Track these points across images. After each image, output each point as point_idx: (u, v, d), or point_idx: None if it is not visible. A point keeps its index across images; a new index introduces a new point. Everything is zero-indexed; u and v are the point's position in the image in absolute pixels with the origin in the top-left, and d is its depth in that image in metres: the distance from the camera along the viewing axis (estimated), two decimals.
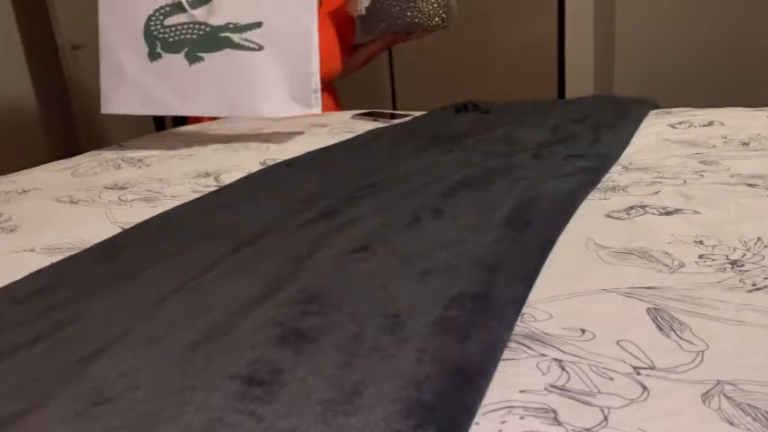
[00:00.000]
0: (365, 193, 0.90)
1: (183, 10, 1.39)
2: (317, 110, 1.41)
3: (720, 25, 2.65)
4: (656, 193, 0.86)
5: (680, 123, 1.26)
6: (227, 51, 1.39)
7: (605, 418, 0.41)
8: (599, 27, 2.66)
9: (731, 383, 0.44)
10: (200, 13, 1.39)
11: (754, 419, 0.40)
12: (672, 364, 0.47)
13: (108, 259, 0.74)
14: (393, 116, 1.65)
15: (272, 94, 1.39)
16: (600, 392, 0.44)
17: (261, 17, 1.38)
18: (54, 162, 1.35)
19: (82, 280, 0.68)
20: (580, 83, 2.64)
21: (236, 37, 1.38)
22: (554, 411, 0.42)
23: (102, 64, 1.41)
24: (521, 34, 2.76)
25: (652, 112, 1.40)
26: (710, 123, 1.24)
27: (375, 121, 1.60)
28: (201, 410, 0.42)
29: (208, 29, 1.39)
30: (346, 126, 1.54)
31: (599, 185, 0.91)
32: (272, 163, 1.18)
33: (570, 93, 2.67)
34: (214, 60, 1.39)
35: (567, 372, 0.47)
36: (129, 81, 1.40)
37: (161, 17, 1.39)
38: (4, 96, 2.57)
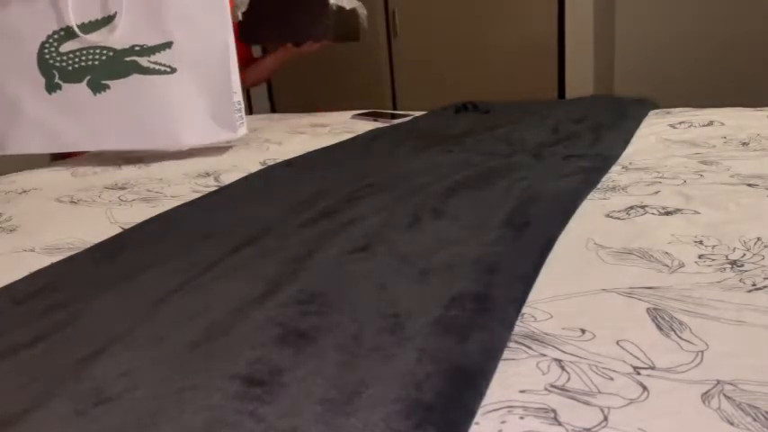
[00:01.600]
0: (365, 193, 0.90)
1: (77, 35, 1.23)
2: (243, 132, 1.29)
3: (721, 25, 2.65)
4: (656, 193, 0.86)
5: (680, 123, 1.26)
6: (135, 77, 1.23)
7: (605, 418, 0.41)
8: (599, 27, 2.66)
9: (731, 383, 0.44)
10: (95, 38, 1.23)
11: (754, 419, 0.40)
12: (672, 364, 0.47)
13: (108, 259, 0.74)
14: (393, 116, 1.65)
15: (192, 121, 1.25)
16: (600, 392, 0.44)
17: (170, 37, 1.23)
18: (54, 162, 1.36)
19: (82, 280, 0.68)
20: (580, 83, 2.64)
21: (143, 60, 1.23)
22: (554, 411, 0.42)
23: None
24: (521, 34, 2.77)
25: (652, 112, 1.40)
26: (710, 123, 1.24)
27: (375, 121, 1.60)
28: (201, 410, 0.42)
29: (111, 53, 1.23)
30: (346, 126, 1.54)
31: (599, 185, 0.91)
32: (272, 163, 1.18)
33: (570, 93, 2.68)
34: (121, 88, 1.24)
35: (566, 372, 0.47)
36: (27, 117, 1.25)
37: (55, 44, 1.24)
38: None
